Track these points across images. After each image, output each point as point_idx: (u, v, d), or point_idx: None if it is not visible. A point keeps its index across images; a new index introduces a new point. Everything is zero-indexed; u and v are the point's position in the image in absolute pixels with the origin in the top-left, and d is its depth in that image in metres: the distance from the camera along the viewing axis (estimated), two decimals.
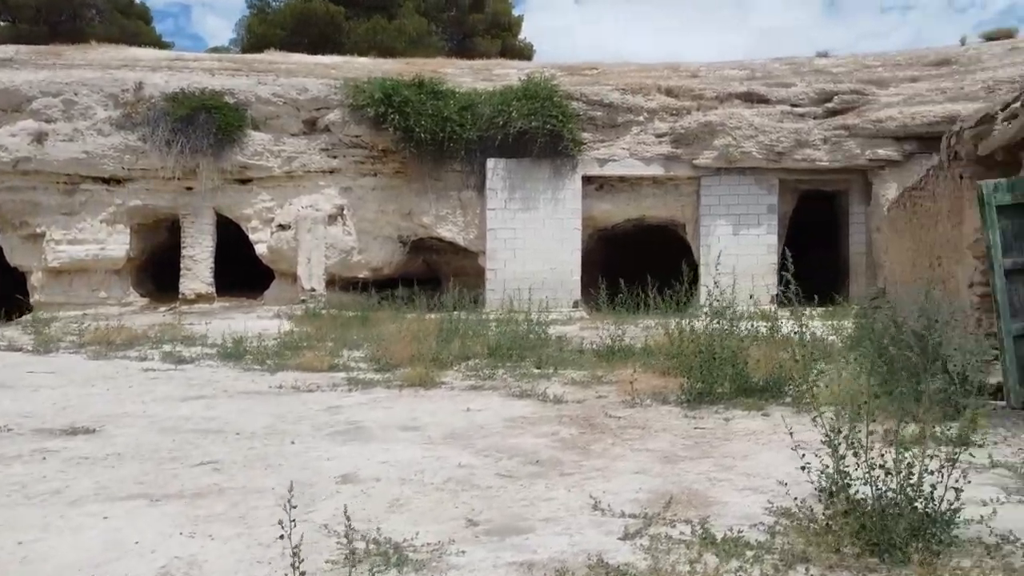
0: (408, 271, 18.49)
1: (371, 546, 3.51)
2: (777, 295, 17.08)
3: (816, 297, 12.44)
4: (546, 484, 4.57)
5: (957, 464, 4.59)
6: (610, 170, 17.55)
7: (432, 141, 16.99)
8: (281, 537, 2.84)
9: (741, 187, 17.33)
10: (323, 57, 21.40)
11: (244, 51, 28.55)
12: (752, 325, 9.51)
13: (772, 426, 6.07)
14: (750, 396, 7.25)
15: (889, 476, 3.45)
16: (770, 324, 9.74)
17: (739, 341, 8.31)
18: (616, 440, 5.73)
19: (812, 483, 3.57)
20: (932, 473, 3.47)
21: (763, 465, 4.91)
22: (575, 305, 17.07)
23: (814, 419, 3.71)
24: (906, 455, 3.47)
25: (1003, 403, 6.39)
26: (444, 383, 8.42)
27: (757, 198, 17.28)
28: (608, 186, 17.96)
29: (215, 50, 33.13)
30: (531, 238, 17.33)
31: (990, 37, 19.55)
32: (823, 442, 3.56)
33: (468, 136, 17.23)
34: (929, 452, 3.51)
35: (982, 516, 3.71)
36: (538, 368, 9.34)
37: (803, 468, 3.54)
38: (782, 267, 18.46)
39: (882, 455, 3.51)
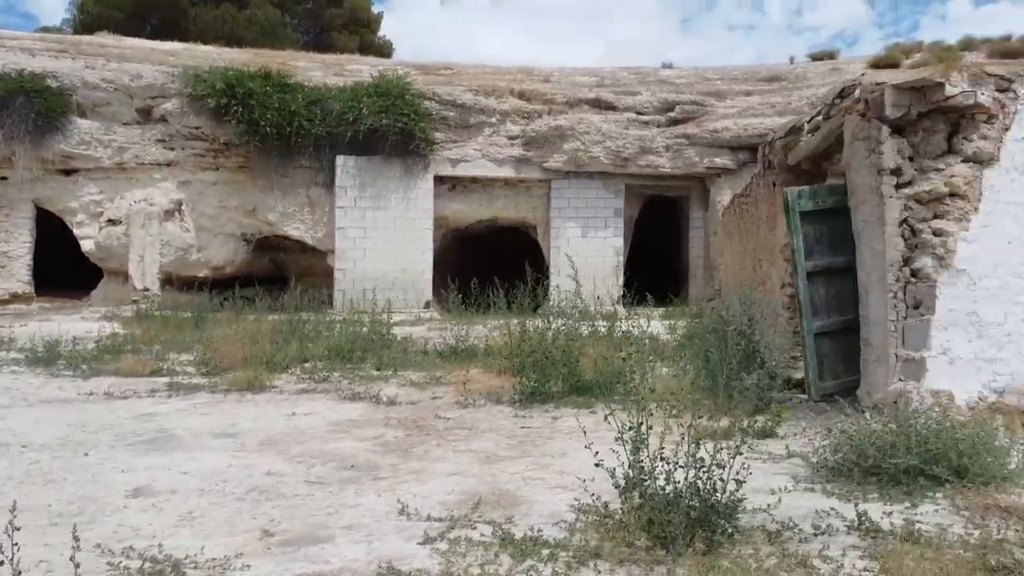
0: (253, 270, 17.72)
1: (147, 565, 3.24)
2: (622, 296, 17.75)
3: (660, 298, 12.98)
4: (356, 490, 4.42)
5: (746, 456, 4.83)
6: (463, 170, 17.54)
7: (278, 135, 16.38)
8: (1, 563, 2.51)
9: (589, 191, 17.79)
10: (161, 43, 20.17)
11: (76, 33, 26.47)
12: (594, 325, 9.77)
13: (596, 423, 6.18)
14: (582, 394, 7.37)
15: (678, 470, 3.55)
16: (609, 324, 10.02)
17: (573, 340, 8.47)
18: (441, 442, 5.65)
19: (611, 479, 3.62)
20: (721, 467, 3.59)
21: (579, 463, 4.95)
22: (427, 306, 16.94)
23: (606, 417, 3.75)
24: (696, 449, 3.57)
25: (806, 396, 6.79)
26: (275, 387, 8.06)
27: (604, 202, 17.79)
28: (461, 186, 17.95)
29: (44, 30, 30.51)
30: (382, 237, 17.05)
31: (815, 57, 21.06)
32: (616, 438, 3.61)
33: (317, 132, 16.73)
34: (721, 445, 3.62)
35: (769, 505, 3.90)
36: (378, 370, 9.15)
37: (597, 465, 3.57)
38: (628, 269, 19.04)
39: (675, 451, 3.61)
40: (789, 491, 4.29)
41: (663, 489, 3.46)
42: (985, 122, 5.92)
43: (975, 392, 5.80)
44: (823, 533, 3.61)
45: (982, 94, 5.83)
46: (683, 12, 76.53)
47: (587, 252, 17.62)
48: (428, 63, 20.44)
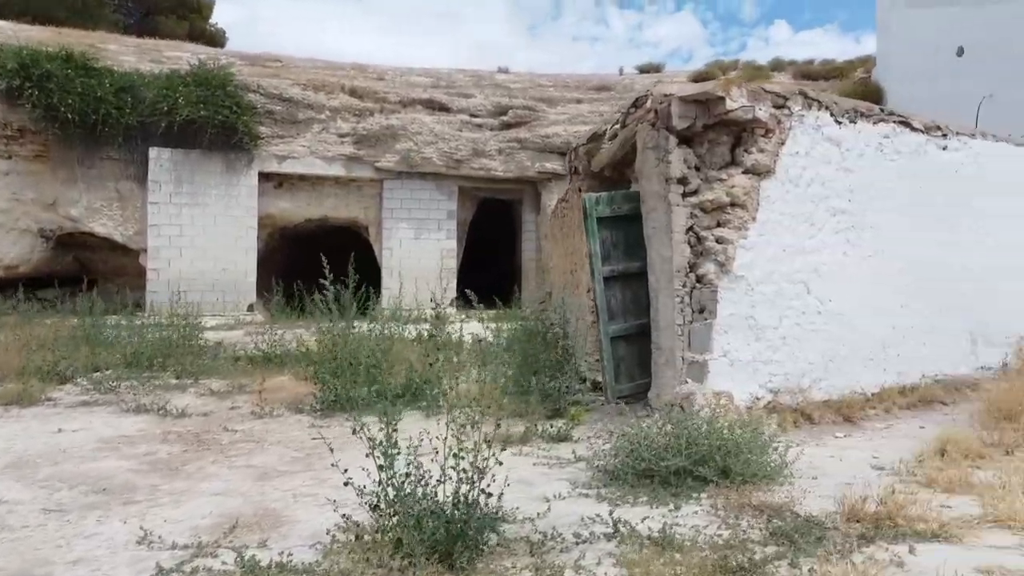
0: (54, 270, 16.15)
1: None
2: (456, 298, 17.69)
3: (494, 300, 12.97)
4: (100, 517, 3.98)
5: (536, 462, 4.79)
6: (290, 167, 16.85)
7: (82, 123, 15.02)
8: None
9: (423, 192, 17.61)
10: None
11: None
12: (418, 328, 9.59)
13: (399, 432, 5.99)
14: (390, 402, 7.15)
15: (440, 483, 3.43)
16: (433, 328, 9.83)
17: (389, 345, 8.26)
18: (219, 457, 5.27)
19: (360, 498, 3.42)
20: (483, 476, 3.50)
21: (363, 476, 4.76)
22: (250, 308, 16.13)
23: (354, 430, 3.52)
24: (458, 460, 3.46)
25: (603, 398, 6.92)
26: (50, 400, 7.30)
27: (438, 203, 17.67)
28: (289, 184, 17.24)
29: None
30: (200, 236, 16.05)
31: (643, 70, 21.99)
32: (367, 455, 3.44)
33: (128, 121, 15.49)
34: (485, 455, 3.52)
35: (538, 514, 3.87)
36: (177, 378, 8.53)
37: (346, 484, 3.37)
38: (463, 271, 18.94)
39: (437, 462, 3.47)
40: (564, 498, 4.30)
41: (417, 505, 3.32)
42: (763, 136, 6.25)
43: (752, 392, 6.11)
44: (584, 542, 3.60)
45: (760, 110, 6.16)
46: (531, 19, 78.12)
47: (420, 254, 17.47)
48: (256, 54, 19.49)
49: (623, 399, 6.74)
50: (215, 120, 15.63)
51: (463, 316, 15.86)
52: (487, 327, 11.03)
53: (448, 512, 3.35)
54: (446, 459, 3.41)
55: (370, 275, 16.64)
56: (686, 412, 5.43)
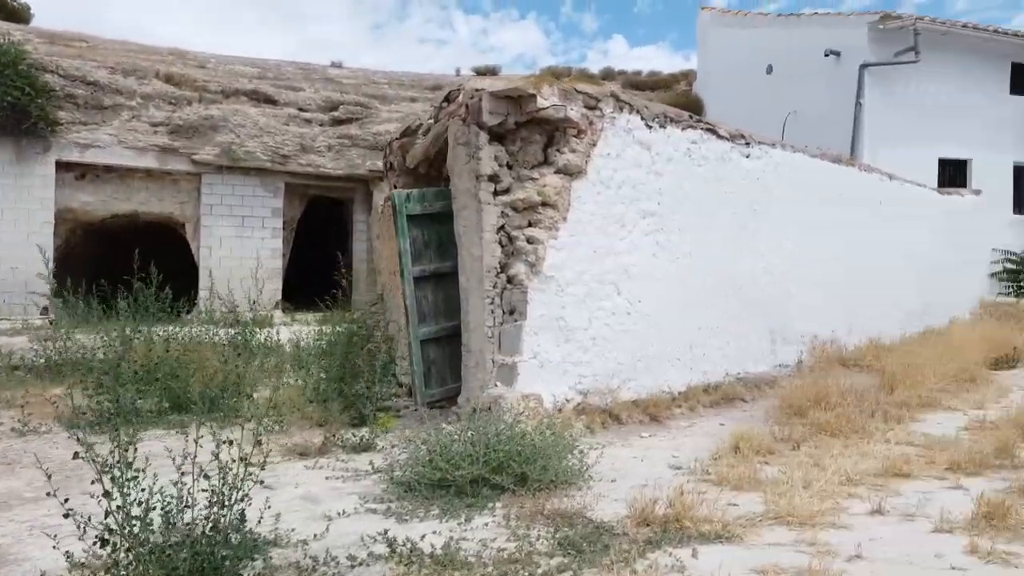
0: None
1: None
2: (281, 300, 16.85)
3: (325, 302, 12.33)
4: None
5: (329, 475, 4.43)
6: (94, 157, 15.35)
7: None
8: None
9: (246, 188, 16.61)
10: None
11: None
12: (233, 332, 8.97)
13: (173, 449, 5.42)
14: (185, 412, 6.56)
15: (186, 508, 3.01)
16: (241, 331, 9.26)
17: (190, 350, 7.60)
18: None
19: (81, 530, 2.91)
20: (242, 499, 3.12)
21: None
22: (44, 311, 14.52)
23: (76, 454, 3.00)
24: (212, 480, 3.05)
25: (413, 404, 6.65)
26: None
27: (262, 200, 16.74)
28: (93, 175, 15.71)
29: None
30: None
31: (480, 72, 21.98)
32: (93, 480, 2.96)
33: None
34: (240, 475, 3.13)
35: (315, 535, 3.53)
36: None
37: (67, 515, 2.88)
38: (294, 271, 18.03)
39: (183, 486, 3.05)
40: (349, 515, 3.98)
41: (157, 535, 2.90)
42: (576, 136, 6.21)
43: (563, 394, 6.05)
44: (359, 564, 3.30)
45: (572, 109, 6.11)
46: (375, 19, 76.60)
47: (243, 253, 16.46)
48: (59, 32, 17.69)
49: (434, 404, 6.51)
50: (3, 102, 13.98)
51: (288, 319, 15.16)
52: (312, 330, 10.50)
53: (198, 541, 2.94)
54: (195, 480, 3.01)
55: (190, 276, 15.53)
56: (495, 416, 5.26)
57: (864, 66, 15.60)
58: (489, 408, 5.54)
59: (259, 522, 3.13)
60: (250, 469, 3.20)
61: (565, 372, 6.08)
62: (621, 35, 77.68)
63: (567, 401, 6.04)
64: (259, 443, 3.20)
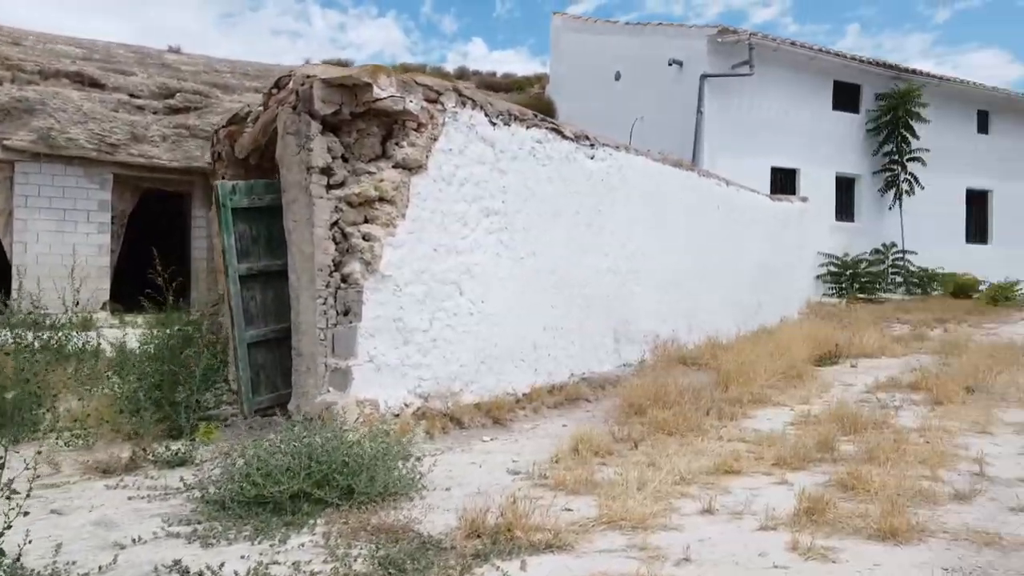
0: None
1: None
2: (108, 301, 15.53)
3: (161, 303, 11.37)
4: None
5: (135, 495, 3.96)
6: None
7: None
8: None
9: (68, 178, 15.20)
10: None
11: None
12: (48, 336, 8.17)
13: None
14: None
15: None
16: (54, 336, 8.42)
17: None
18: None
19: None
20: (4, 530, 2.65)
21: None
22: None
23: None
24: None
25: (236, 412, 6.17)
26: None
27: (87, 192, 15.37)
28: None
29: None
30: None
31: (327, 63, 21.27)
32: None
33: None
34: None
35: (100, 567, 3.10)
36: None
37: None
38: (126, 270, 16.60)
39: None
40: (146, 541, 3.54)
41: None
42: (415, 130, 5.97)
43: (401, 398, 5.79)
44: None
45: (411, 101, 5.86)
46: (225, 7, 72.73)
47: (64, 250, 15.05)
48: None
49: (264, 412, 6.07)
50: None
51: (116, 321, 13.95)
52: (142, 333, 9.66)
53: None
54: None
55: (4, 274, 13.98)
56: (326, 423, 4.92)
57: (704, 76, 16.31)
58: (321, 415, 5.19)
59: (21, 556, 2.67)
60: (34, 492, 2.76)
61: (404, 375, 5.81)
62: (480, 38, 78.09)
63: (406, 406, 5.78)
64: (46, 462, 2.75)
